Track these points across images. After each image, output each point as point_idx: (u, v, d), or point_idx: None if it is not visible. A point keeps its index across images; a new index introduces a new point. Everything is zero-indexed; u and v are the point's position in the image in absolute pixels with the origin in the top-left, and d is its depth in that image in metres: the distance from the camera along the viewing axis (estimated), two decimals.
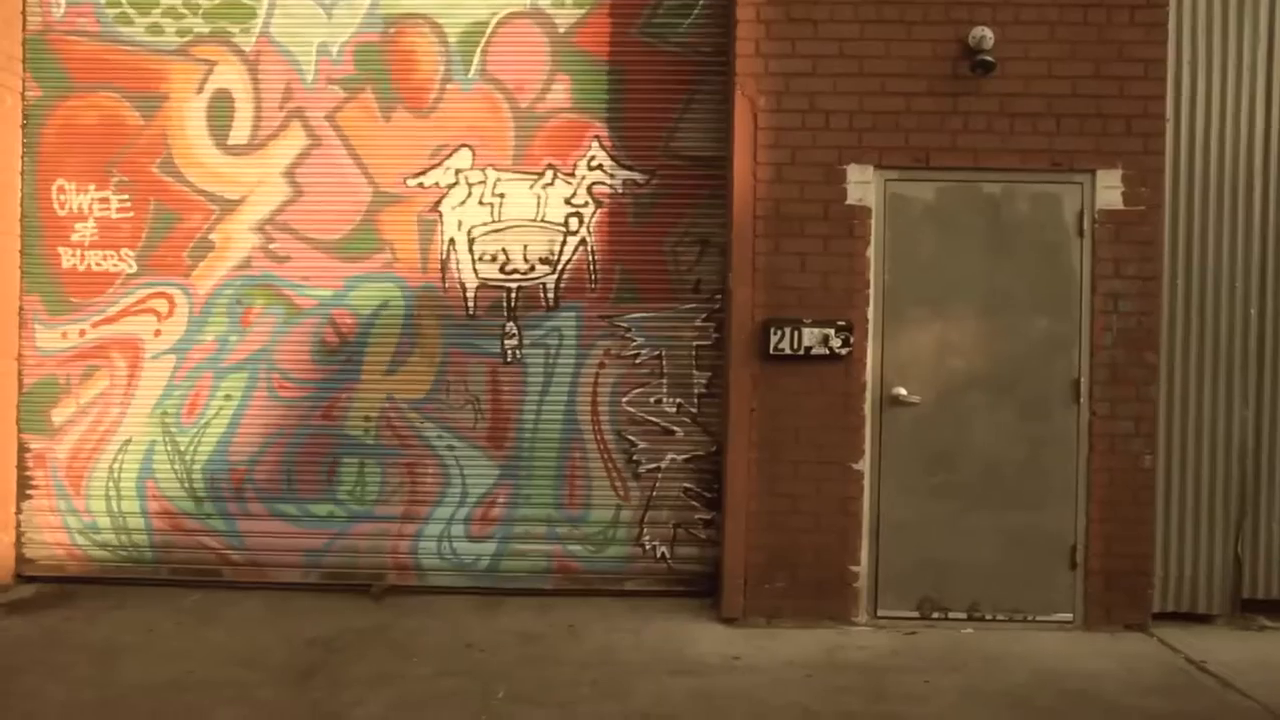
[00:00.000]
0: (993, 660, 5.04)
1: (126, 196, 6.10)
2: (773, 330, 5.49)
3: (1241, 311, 5.70)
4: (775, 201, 5.55)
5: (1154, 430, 5.56)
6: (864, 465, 5.54)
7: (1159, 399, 5.60)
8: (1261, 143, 5.70)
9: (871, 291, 5.56)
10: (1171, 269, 5.66)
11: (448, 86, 6.05)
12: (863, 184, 5.54)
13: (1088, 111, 5.51)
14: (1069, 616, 5.54)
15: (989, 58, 5.39)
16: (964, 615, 5.54)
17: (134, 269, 6.10)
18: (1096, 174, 5.52)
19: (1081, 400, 5.54)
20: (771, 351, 5.49)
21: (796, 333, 5.49)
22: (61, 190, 6.11)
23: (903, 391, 5.55)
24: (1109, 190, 5.52)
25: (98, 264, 6.11)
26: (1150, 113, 5.53)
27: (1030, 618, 5.54)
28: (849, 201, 5.54)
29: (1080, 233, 5.55)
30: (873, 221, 5.56)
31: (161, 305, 6.10)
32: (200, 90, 6.09)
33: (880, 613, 5.56)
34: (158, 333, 6.10)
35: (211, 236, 6.09)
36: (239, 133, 6.09)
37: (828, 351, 5.48)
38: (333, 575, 6.03)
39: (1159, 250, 5.57)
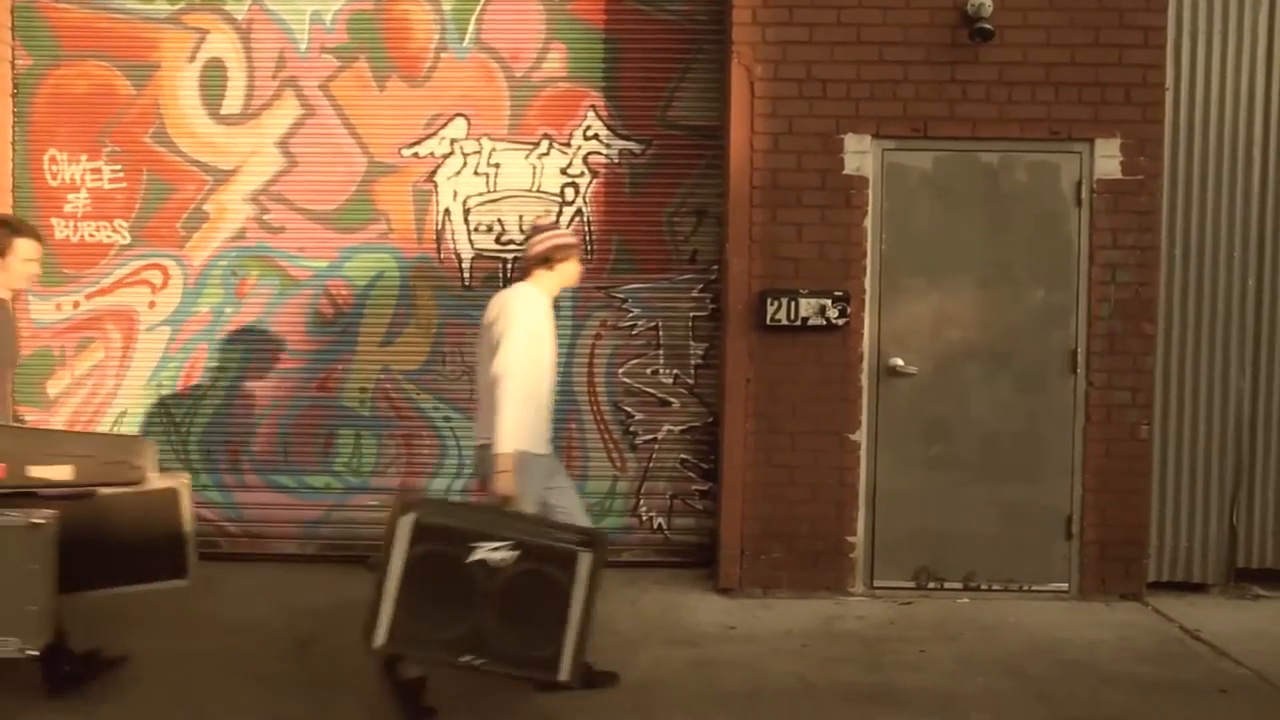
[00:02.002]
0: (988, 630, 5.06)
1: (119, 167, 6.06)
2: (769, 301, 5.47)
3: (1240, 282, 5.69)
4: (772, 171, 5.52)
5: (1151, 401, 5.56)
6: (861, 436, 5.54)
7: (1156, 369, 5.60)
8: (1261, 112, 5.67)
9: (869, 262, 5.54)
10: (1170, 239, 5.65)
11: (442, 55, 6.00)
12: (860, 153, 5.51)
13: (1086, 80, 5.47)
14: (1064, 586, 5.56)
15: (988, 25, 5.34)
16: (960, 585, 5.56)
17: (127, 240, 6.06)
18: (1095, 143, 5.49)
19: (1078, 371, 5.54)
20: (768, 322, 5.47)
21: (793, 303, 5.47)
22: (53, 160, 6.07)
23: (900, 362, 5.54)
24: (1107, 160, 5.49)
25: (91, 235, 6.07)
26: (1149, 81, 5.49)
27: (1026, 587, 5.56)
28: (846, 171, 5.51)
29: (1078, 202, 5.53)
30: (870, 191, 5.53)
31: (156, 277, 6.07)
32: (192, 59, 6.03)
33: (876, 583, 5.58)
34: (152, 304, 6.08)
35: (205, 207, 6.05)
36: (232, 102, 6.04)
37: (824, 322, 5.47)
38: (330, 547, 6.04)
39: (1157, 220, 5.55)
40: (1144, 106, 5.49)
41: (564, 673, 3.77)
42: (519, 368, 4.06)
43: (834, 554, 5.55)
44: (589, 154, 6.00)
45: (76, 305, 6.09)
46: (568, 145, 6.00)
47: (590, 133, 5.99)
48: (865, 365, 5.54)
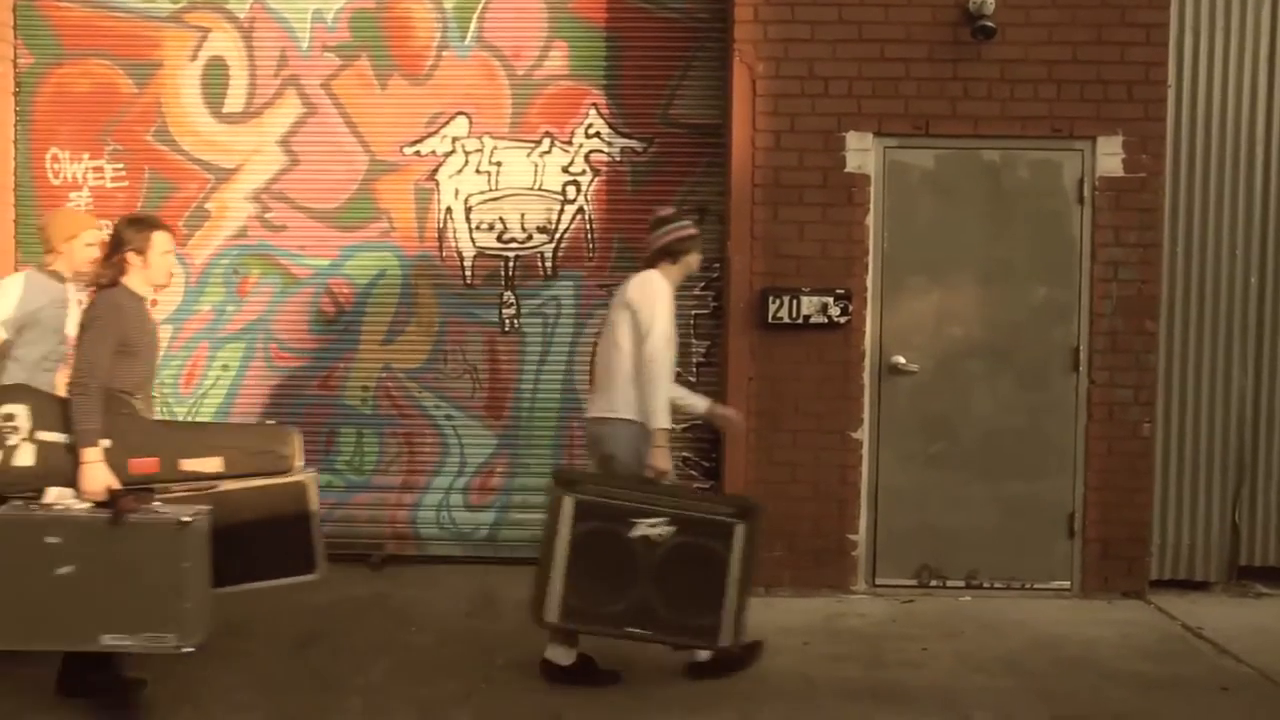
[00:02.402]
0: (990, 627, 5.06)
1: (121, 165, 6.06)
2: (771, 299, 5.46)
3: (1242, 279, 5.68)
4: (774, 169, 5.51)
5: (1153, 398, 5.56)
6: (862, 434, 5.54)
7: (1158, 367, 5.59)
8: (1264, 109, 5.66)
9: (870, 260, 5.54)
10: (1172, 237, 5.64)
11: (444, 53, 6.00)
12: (862, 151, 5.50)
13: (1088, 78, 5.46)
14: (1066, 584, 5.56)
15: (990, 23, 5.33)
16: (962, 583, 5.56)
17: None
18: (1097, 141, 5.48)
19: (1081, 368, 5.53)
20: (770, 320, 5.47)
21: (795, 301, 5.46)
22: (55, 159, 6.07)
23: (901, 360, 5.54)
24: (1109, 157, 5.48)
25: None
26: (1152, 79, 5.49)
27: (1028, 586, 5.56)
28: (848, 169, 5.50)
29: (1080, 200, 5.52)
30: (872, 189, 5.52)
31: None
32: (194, 58, 6.03)
33: (878, 581, 5.57)
34: (154, 302, 6.04)
35: (207, 206, 6.05)
36: (234, 101, 6.04)
37: (826, 320, 5.46)
38: (331, 545, 5.97)
39: (1159, 218, 5.54)
40: (1146, 104, 5.48)
41: (725, 639, 4.04)
42: (665, 351, 4.27)
43: (836, 552, 5.54)
44: (590, 152, 5.99)
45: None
46: (569, 143, 6.00)
47: (592, 131, 5.99)
48: (867, 363, 5.54)
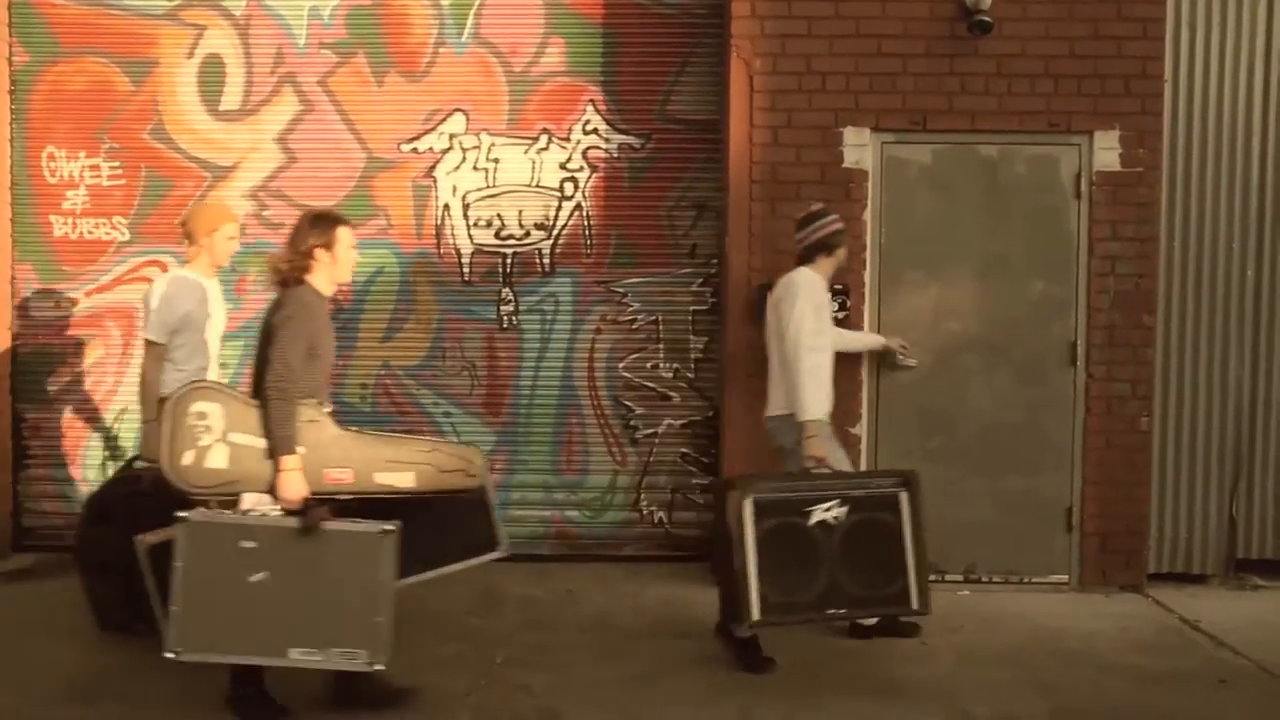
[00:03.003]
0: (989, 621, 5.07)
1: (118, 163, 6.05)
2: (769, 294, 5.46)
3: (1239, 273, 5.70)
4: (771, 165, 5.52)
5: (1151, 392, 5.57)
6: (861, 429, 5.54)
7: (1156, 361, 5.60)
8: (1260, 103, 5.67)
9: (868, 255, 5.54)
10: (1169, 231, 5.65)
11: (441, 50, 5.99)
12: (859, 146, 5.51)
13: (1085, 72, 5.47)
14: (1065, 578, 5.57)
15: (987, 18, 5.33)
16: (960, 578, 5.57)
17: (127, 237, 6.06)
18: (1094, 135, 5.49)
19: (1078, 363, 5.54)
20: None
21: None
22: (51, 157, 6.06)
23: (900, 354, 5.53)
24: (1106, 152, 5.49)
25: (90, 232, 6.06)
26: (1149, 73, 5.49)
27: (1026, 579, 5.57)
28: (845, 164, 5.51)
29: (1077, 195, 5.53)
30: (869, 184, 5.53)
31: (155, 273, 6.04)
32: (190, 55, 6.02)
33: None
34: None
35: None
36: (230, 98, 6.03)
37: None
38: None
39: (1156, 212, 5.55)
40: (1143, 98, 5.49)
41: (915, 602, 4.25)
42: (808, 345, 4.51)
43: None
44: (588, 148, 5.99)
45: (76, 303, 6.08)
46: (567, 140, 6.00)
47: (589, 127, 5.99)
48: (865, 358, 5.54)
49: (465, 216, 6.03)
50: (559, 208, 6.01)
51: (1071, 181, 5.53)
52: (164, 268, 6.04)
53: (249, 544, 3.54)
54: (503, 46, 5.98)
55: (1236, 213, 5.68)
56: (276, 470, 3.67)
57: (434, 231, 6.03)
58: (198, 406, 3.65)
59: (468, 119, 6.00)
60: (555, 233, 6.00)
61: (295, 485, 3.66)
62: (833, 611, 4.26)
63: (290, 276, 3.85)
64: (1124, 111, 5.47)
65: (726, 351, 5.61)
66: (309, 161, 6.02)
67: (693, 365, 6.02)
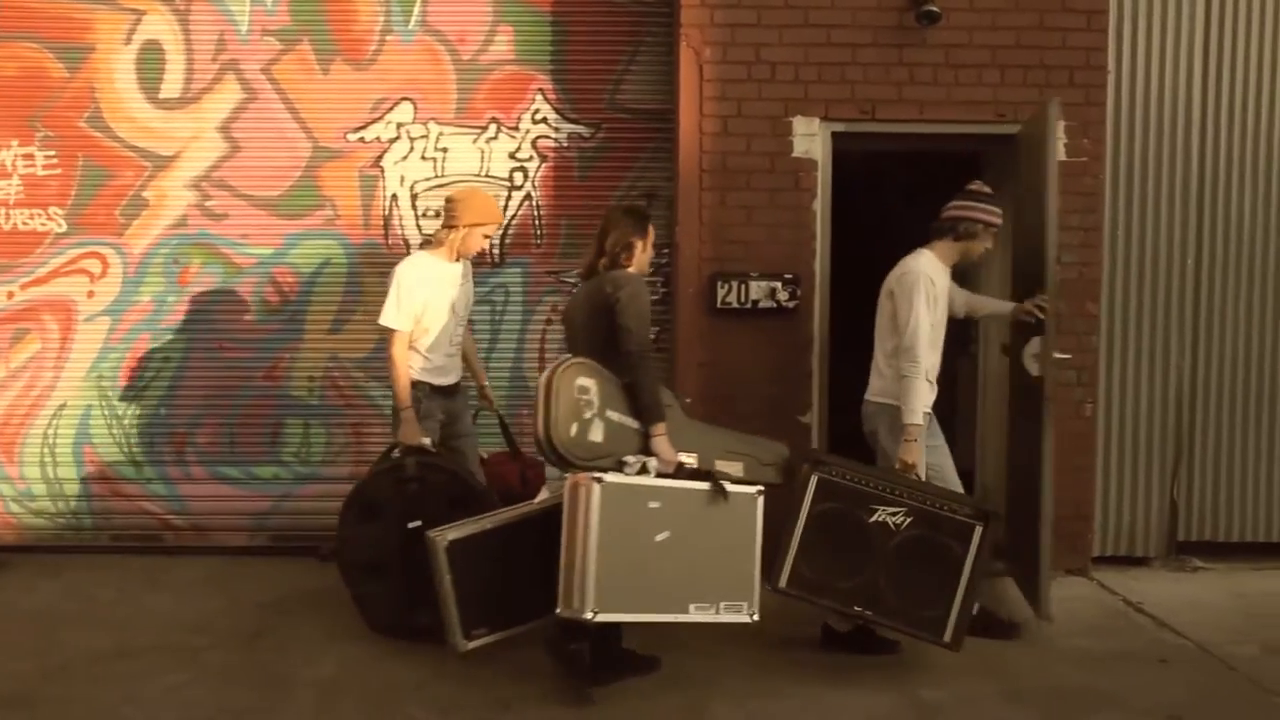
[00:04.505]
0: None
1: (53, 152, 5.88)
2: (720, 284, 5.47)
3: (1179, 262, 5.80)
4: (721, 154, 5.51)
5: (1095, 380, 5.66)
6: (812, 418, 5.57)
7: (1100, 348, 5.69)
8: (1200, 95, 5.77)
9: (818, 244, 5.56)
10: (1112, 220, 5.74)
11: (388, 38, 5.90)
12: (809, 136, 5.52)
13: (1031, 63, 5.53)
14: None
15: (934, 8, 5.36)
16: None
17: (64, 228, 5.90)
18: None
19: None
20: (719, 305, 5.48)
21: (743, 286, 5.48)
22: None
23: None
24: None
25: (25, 223, 5.90)
26: (1092, 64, 5.57)
27: None
28: (795, 154, 5.52)
29: None
30: (819, 174, 5.55)
31: (94, 265, 5.92)
32: (128, 41, 5.87)
33: None
34: (91, 294, 5.92)
35: (145, 194, 5.90)
36: (170, 86, 5.89)
37: (775, 305, 5.49)
38: (279, 538, 5.95)
39: (1100, 201, 5.63)
40: (1087, 89, 5.56)
41: (948, 635, 4.14)
42: (921, 346, 4.40)
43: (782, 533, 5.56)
44: (537, 138, 5.95)
45: (10, 295, 5.91)
46: (516, 129, 5.94)
47: (539, 116, 5.94)
48: (815, 348, 5.57)
49: (414, 207, 5.95)
50: (508, 197, 5.95)
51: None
52: (103, 260, 5.91)
53: (655, 504, 3.76)
54: (450, 34, 5.91)
55: (1177, 202, 5.79)
56: (649, 436, 4.03)
57: (382, 222, 5.95)
58: (581, 381, 3.94)
59: (415, 108, 5.92)
60: (505, 223, 5.95)
61: (670, 451, 4.02)
62: (859, 610, 4.19)
63: (622, 262, 4.26)
64: (1068, 102, 5.51)
65: (678, 341, 5.60)
66: (253, 151, 5.90)
67: None
